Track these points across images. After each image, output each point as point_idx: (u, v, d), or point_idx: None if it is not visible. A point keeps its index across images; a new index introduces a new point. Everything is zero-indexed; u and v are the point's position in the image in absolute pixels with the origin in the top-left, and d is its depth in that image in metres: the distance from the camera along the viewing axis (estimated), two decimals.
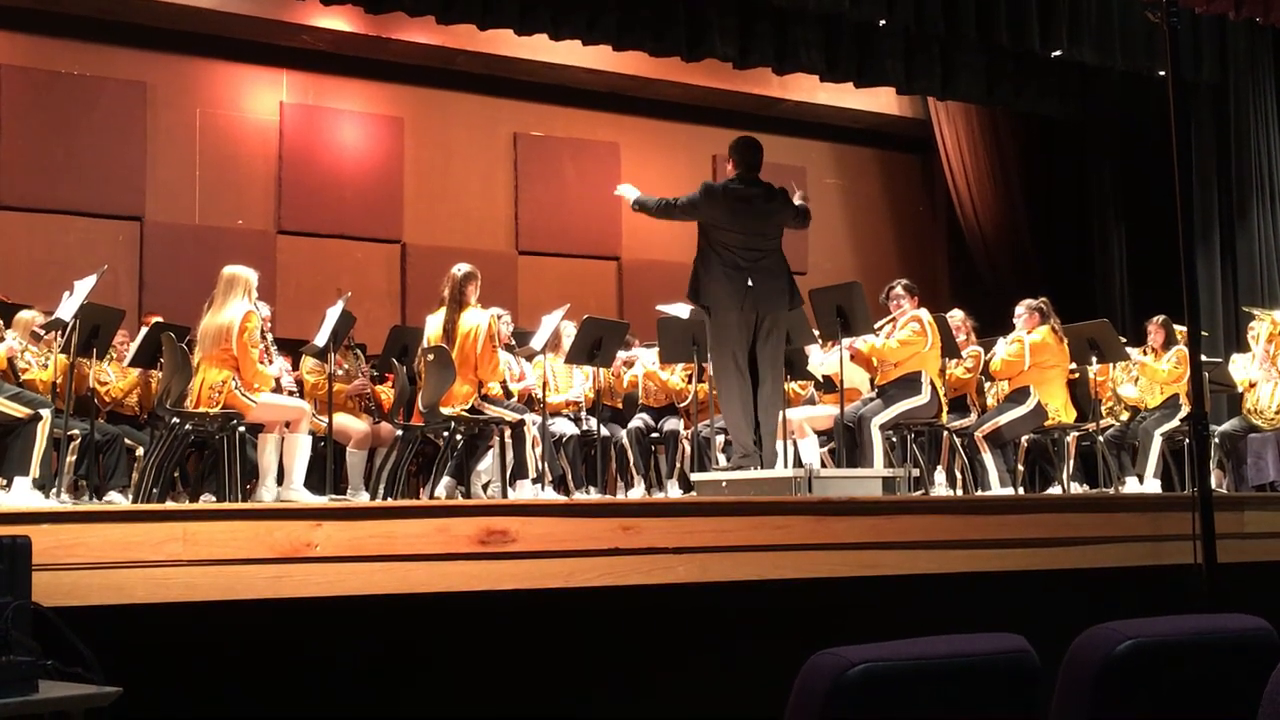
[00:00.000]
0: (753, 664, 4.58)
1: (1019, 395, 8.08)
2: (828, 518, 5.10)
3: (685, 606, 4.84)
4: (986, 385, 8.81)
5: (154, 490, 6.58)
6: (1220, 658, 2.34)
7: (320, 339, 7.42)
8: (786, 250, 6.66)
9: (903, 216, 13.86)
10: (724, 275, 6.34)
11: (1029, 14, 10.09)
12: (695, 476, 6.97)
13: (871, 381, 8.13)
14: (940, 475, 8.25)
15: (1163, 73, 9.35)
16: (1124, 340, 8.73)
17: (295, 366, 8.12)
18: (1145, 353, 8.90)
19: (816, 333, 7.74)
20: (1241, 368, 9.07)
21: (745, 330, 6.35)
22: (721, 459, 8.08)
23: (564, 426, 8.43)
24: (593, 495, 8.11)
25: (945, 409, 7.87)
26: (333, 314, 7.39)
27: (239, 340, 6.59)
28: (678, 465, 8.50)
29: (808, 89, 12.13)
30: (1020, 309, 8.34)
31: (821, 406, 8.54)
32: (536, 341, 8.01)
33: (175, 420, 6.59)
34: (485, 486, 7.81)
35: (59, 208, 10.10)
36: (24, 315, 7.54)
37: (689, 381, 8.55)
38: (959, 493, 8.08)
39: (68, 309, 6.77)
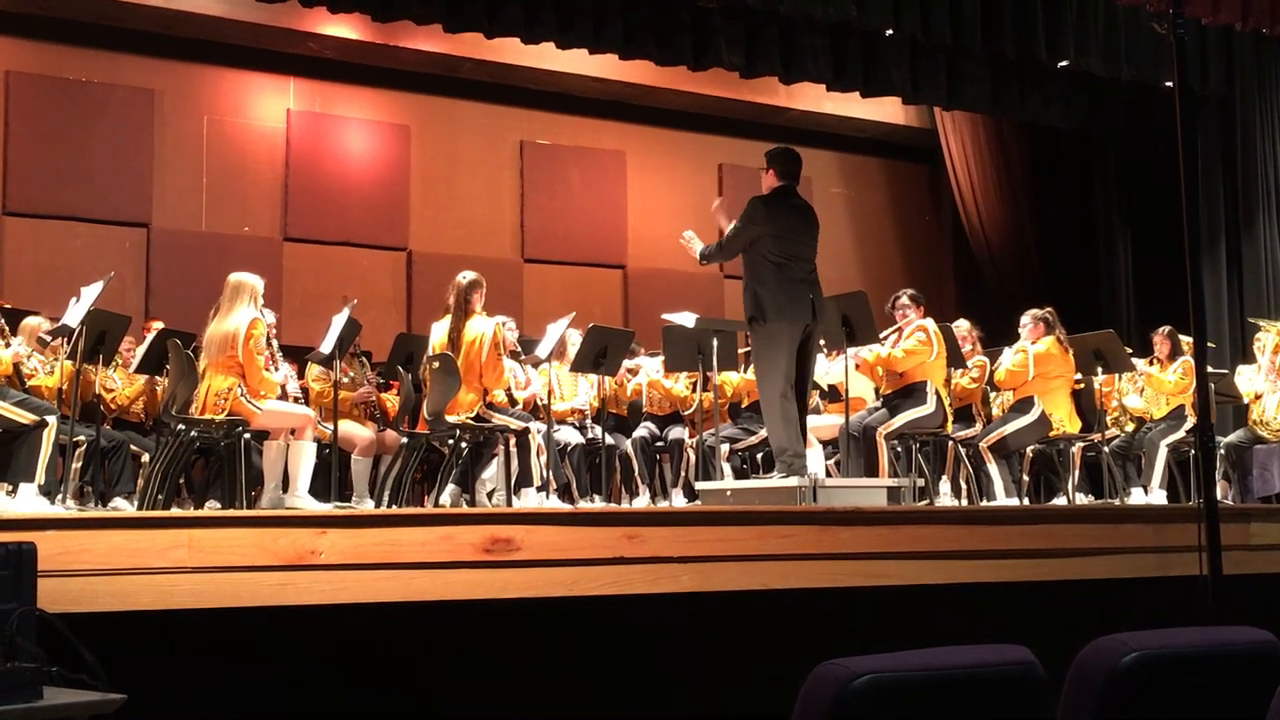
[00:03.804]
0: (757, 674, 4.57)
1: (1024, 405, 8.07)
2: (832, 527, 5.10)
3: (690, 615, 4.84)
4: (992, 395, 8.80)
5: (159, 497, 6.58)
6: (1226, 670, 2.33)
7: (326, 346, 7.42)
8: None
9: (908, 226, 13.87)
10: (791, 287, 6.30)
11: (1035, 24, 10.08)
12: (700, 485, 6.97)
13: (876, 391, 8.13)
14: (945, 485, 8.23)
15: (1169, 83, 9.36)
16: (1130, 351, 8.72)
17: (301, 374, 8.13)
18: (1151, 363, 8.89)
19: (822, 342, 7.73)
20: (1247, 379, 9.05)
21: (795, 343, 6.35)
22: (726, 468, 8.08)
23: (569, 435, 8.43)
24: (597, 504, 8.10)
25: (950, 419, 7.86)
26: (338, 321, 7.40)
27: (245, 347, 6.60)
28: (682, 474, 8.50)
29: (814, 98, 12.14)
30: (1025, 319, 8.33)
31: (826, 416, 8.54)
32: (542, 349, 8.01)
33: (181, 427, 6.59)
34: (490, 495, 7.80)
35: (66, 214, 10.12)
36: (30, 321, 7.55)
37: (693, 390, 8.55)
38: (964, 503, 8.07)
39: (74, 315, 6.78)
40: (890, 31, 10.09)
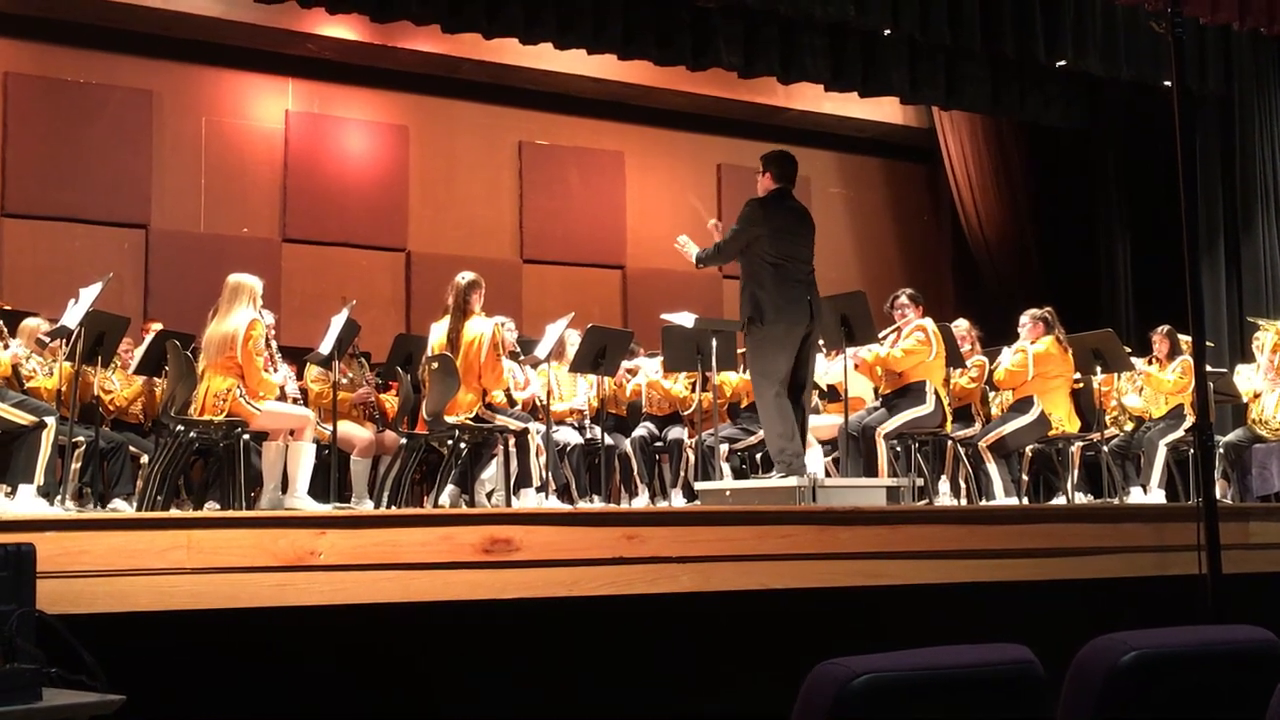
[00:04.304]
0: (757, 674, 4.58)
1: (1023, 405, 8.07)
2: (832, 527, 5.11)
3: (689, 615, 4.84)
4: (991, 395, 8.80)
5: (158, 498, 6.58)
6: (1225, 669, 2.33)
7: (325, 347, 7.42)
8: None
9: (907, 226, 13.87)
10: (789, 288, 6.29)
11: (1034, 24, 10.08)
12: (699, 485, 6.97)
13: (875, 391, 8.13)
14: (944, 485, 8.23)
15: (1168, 83, 9.35)
16: (1129, 350, 8.72)
17: (300, 375, 8.12)
18: (1150, 363, 8.90)
19: (821, 342, 7.73)
20: (1246, 378, 9.06)
21: (795, 345, 6.34)
22: (725, 468, 8.08)
23: (568, 435, 8.43)
24: (597, 504, 8.10)
25: (949, 418, 7.86)
26: (337, 322, 7.40)
27: (244, 348, 6.60)
28: (682, 474, 8.50)
29: (812, 98, 12.14)
30: (1024, 318, 8.33)
31: (826, 416, 8.54)
32: (541, 350, 8.01)
33: (180, 428, 6.59)
34: (489, 495, 7.80)
35: (65, 215, 10.12)
36: (29, 323, 7.54)
37: (692, 390, 8.55)
38: (963, 503, 8.07)
39: (73, 316, 6.77)
40: (889, 31, 10.09)
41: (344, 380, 7.95)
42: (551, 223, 12.02)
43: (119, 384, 8.01)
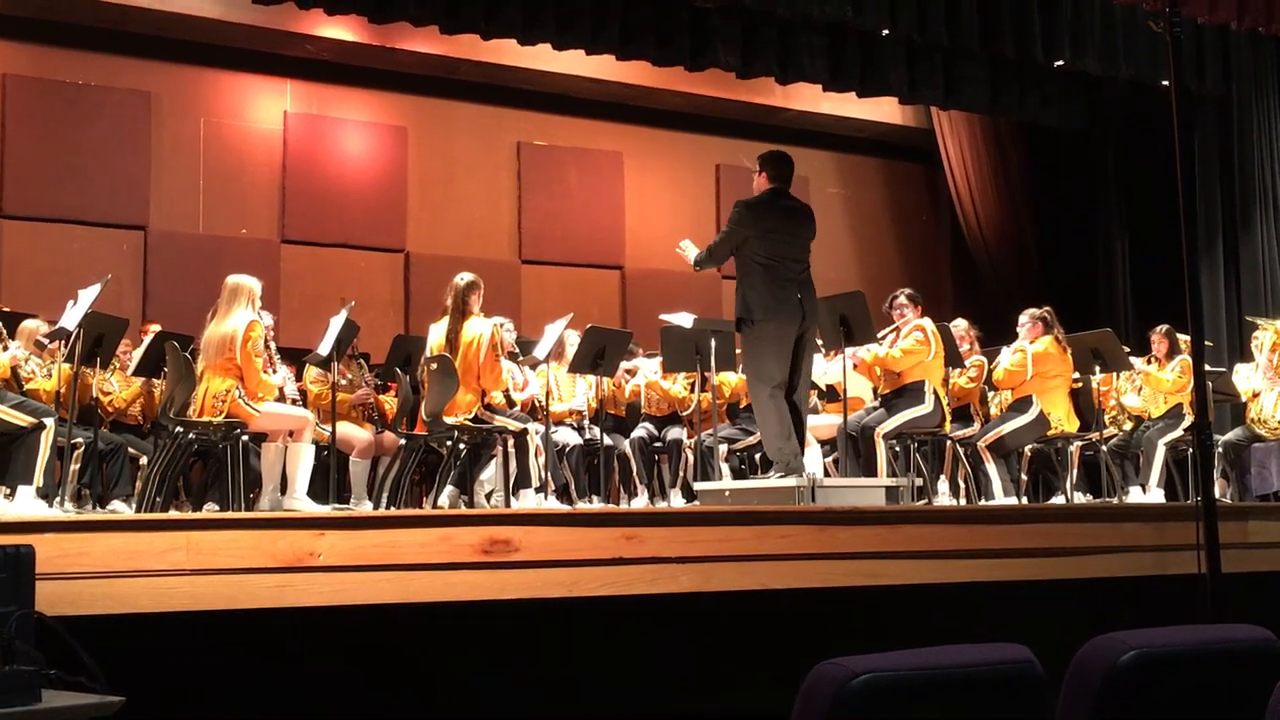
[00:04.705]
0: (757, 674, 4.58)
1: (1022, 405, 8.08)
2: (831, 527, 5.11)
3: (689, 615, 4.84)
4: (990, 395, 8.80)
5: (157, 499, 6.57)
6: (1224, 668, 2.33)
7: (324, 348, 7.42)
8: None
9: (906, 226, 13.86)
10: (779, 288, 6.28)
11: (1032, 24, 10.09)
12: (698, 486, 6.97)
13: (874, 391, 8.13)
14: (943, 485, 8.23)
15: (1166, 82, 9.36)
16: (1128, 350, 8.73)
17: (299, 376, 8.13)
18: (1149, 362, 8.90)
19: (820, 342, 7.73)
20: (1245, 377, 9.06)
21: (788, 345, 6.33)
22: (724, 468, 8.08)
23: (567, 435, 8.43)
24: (596, 505, 8.10)
25: (948, 418, 7.86)
26: (336, 323, 7.40)
27: (243, 349, 6.60)
28: (681, 474, 8.49)
29: (810, 98, 12.14)
30: (1023, 318, 8.33)
31: (825, 416, 8.54)
32: (540, 350, 8.01)
33: (179, 429, 6.59)
34: (488, 496, 7.80)
35: (63, 216, 10.11)
36: (28, 324, 7.54)
37: (691, 391, 8.55)
38: (962, 502, 8.07)
39: (71, 318, 6.77)
40: (886, 31, 10.08)
41: (343, 381, 7.95)
42: (550, 223, 12.02)
43: (118, 385, 8.02)
